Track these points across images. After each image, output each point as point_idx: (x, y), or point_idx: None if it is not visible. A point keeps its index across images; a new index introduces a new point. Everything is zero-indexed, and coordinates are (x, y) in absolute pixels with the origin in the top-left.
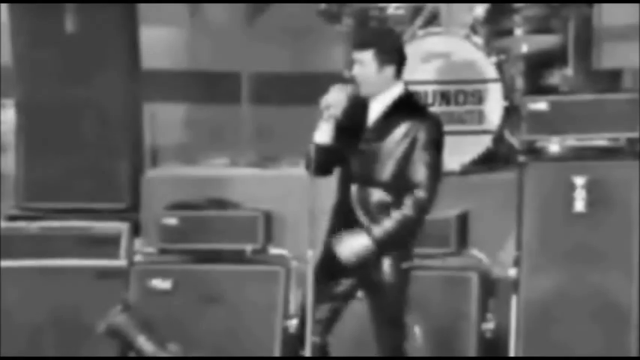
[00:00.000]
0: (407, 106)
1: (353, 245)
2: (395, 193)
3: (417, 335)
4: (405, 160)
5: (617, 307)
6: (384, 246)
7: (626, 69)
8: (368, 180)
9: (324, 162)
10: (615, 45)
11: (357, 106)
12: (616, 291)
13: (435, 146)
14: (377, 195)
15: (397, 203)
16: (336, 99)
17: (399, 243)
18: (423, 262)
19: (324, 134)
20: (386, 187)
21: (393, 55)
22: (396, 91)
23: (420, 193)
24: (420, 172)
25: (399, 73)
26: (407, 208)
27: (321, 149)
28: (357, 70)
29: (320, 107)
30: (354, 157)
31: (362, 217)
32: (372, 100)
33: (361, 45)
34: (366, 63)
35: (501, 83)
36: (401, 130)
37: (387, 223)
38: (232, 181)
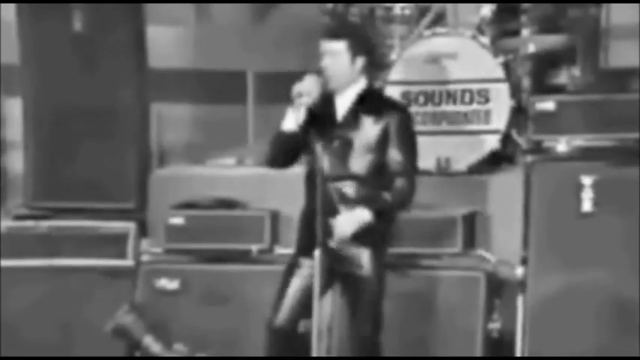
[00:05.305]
0: (373, 100)
1: (353, 218)
2: (370, 186)
3: None
4: (380, 152)
5: (624, 307)
6: (380, 218)
7: (635, 69)
8: (341, 175)
9: (285, 151)
10: (623, 44)
11: (327, 99)
12: (623, 291)
13: (410, 136)
14: (350, 190)
15: (372, 196)
16: (309, 87)
17: (384, 228)
18: (429, 261)
19: (291, 121)
20: (361, 180)
21: (366, 48)
22: (360, 85)
23: (401, 182)
24: (397, 162)
25: (367, 67)
26: (389, 196)
27: (285, 136)
28: (328, 62)
29: (292, 94)
30: (325, 152)
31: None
32: (339, 94)
33: (335, 35)
34: (338, 54)
35: (508, 83)
36: (371, 122)
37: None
38: (239, 181)
